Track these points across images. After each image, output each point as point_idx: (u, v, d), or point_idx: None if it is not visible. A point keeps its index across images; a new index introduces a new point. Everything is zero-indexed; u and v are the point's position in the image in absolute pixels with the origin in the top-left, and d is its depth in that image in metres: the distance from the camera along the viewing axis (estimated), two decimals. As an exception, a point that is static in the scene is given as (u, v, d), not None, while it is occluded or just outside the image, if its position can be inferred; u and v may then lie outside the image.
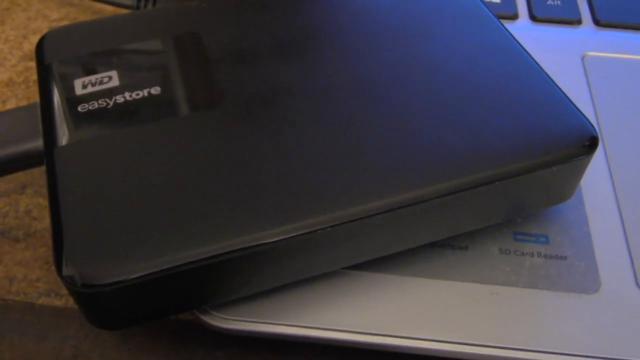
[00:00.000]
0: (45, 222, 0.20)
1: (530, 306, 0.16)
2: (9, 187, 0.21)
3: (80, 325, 0.18)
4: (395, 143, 0.16)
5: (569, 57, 0.23)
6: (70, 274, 0.13)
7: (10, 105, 0.23)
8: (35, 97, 0.23)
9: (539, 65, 0.18)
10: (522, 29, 0.25)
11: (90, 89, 0.17)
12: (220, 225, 0.14)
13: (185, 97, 0.17)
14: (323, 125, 0.16)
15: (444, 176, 0.15)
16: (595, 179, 0.19)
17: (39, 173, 0.21)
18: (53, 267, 0.19)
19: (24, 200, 0.20)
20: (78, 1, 0.28)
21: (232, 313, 0.16)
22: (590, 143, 0.16)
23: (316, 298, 0.16)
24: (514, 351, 0.16)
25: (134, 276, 0.13)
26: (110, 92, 0.17)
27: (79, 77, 0.18)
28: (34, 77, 0.24)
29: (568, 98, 0.17)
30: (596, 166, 0.19)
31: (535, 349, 0.16)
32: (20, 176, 0.21)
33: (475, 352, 0.16)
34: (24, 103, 0.23)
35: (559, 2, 0.26)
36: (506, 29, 0.19)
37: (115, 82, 0.17)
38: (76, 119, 0.16)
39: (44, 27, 0.26)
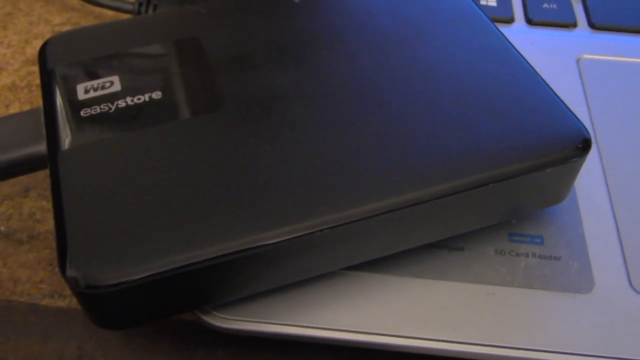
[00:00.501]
0: (49, 224, 0.20)
1: (525, 306, 0.17)
2: (12, 190, 0.21)
3: (83, 325, 0.18)
4: (392, 146, 0.16)
5: (565, 60, 0.23)
6: (74, 275, 0.14)
7: (14, 109, 0.23)
8: (38, 101, 0.24)
9: (533, 68, 0.18)
10: (518, 33, 0.25)
11: (92, 94, 0.18)
12: (221, 227, 0.14)
13: (186, 101, 0.17)
14: (321, 128, 0.16)
15: (440, 178, 0.15)
16: (589, 180, 0.19)
17: (42, 176, 0.21)
18: (56, 269, 0.19)
19: (28, 203, 0.21)
20: (80, 6, 0.28)
21: (232, 313, 0.16)
22: (583, 145, 0.16)
23: (316, 298, 0.17)
24: (509, 350, 0.16)
25: (137, 277, 0.14)
26: (112, 97, 0.17)
27: (81, 82, 0.18)
28: (37, 81, 0.24)
29: (562, 101, 0.17)
30: (590, 168, 0.20)
31: (530, 347, 0.16)
32: (24, 179, 0.21)
33: (472, 350, 0.16)
34: (26, 107, 0.24)
35: (554, 6, 0.26)
36: (501, 33, 0.19)
37: (117, 86, 0.18)
38: (79, 124, 0.17)
39: (46, 31, 0.27)
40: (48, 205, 0.20)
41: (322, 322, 0.16)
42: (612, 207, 0.19)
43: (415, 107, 0.17)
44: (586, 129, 0.16)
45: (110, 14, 0.28)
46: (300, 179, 0.15)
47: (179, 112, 0.17)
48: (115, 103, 0.17)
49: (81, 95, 0.18)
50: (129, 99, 0.17)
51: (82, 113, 0.17)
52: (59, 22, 0.27)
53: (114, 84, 0.18)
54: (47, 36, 0.26)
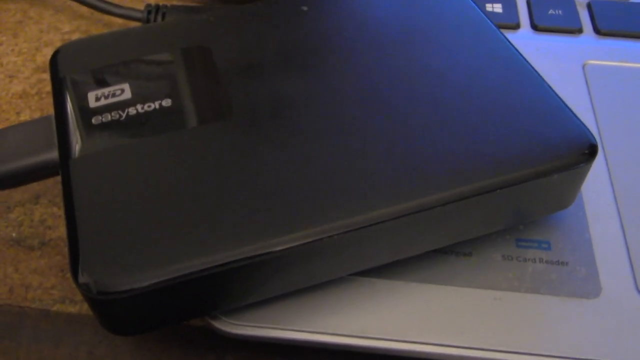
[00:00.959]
0: (60, 231, 0.20)
1: (532, 311, 0.17)
2: (23, 197, 0.21)
3: (94, 331, 0.18)
4: (400, 153, 0.16)
5: (570, 66, 0.24)
6: (86, 281, 0.14)
7: (25, 116, 0.24)
8: (48, 109, 0.24)
9: (539, 74, 0.18)
10: (524, 39, 0.25)
11: (103, 102, 0.18)
12: (231, 234, 0.15)
13: (195, 109, 0.18)
14: (330, 135, 0.17)
15: (447, 185, 0.15)
16: (596, 186, 0.20)
17: (52, 183, 0.21)
18: (67, 275, 0.19)
19: (39, 210, 0.21)
20: (89, 14, 0.28)
21: (241, 319, 0.16)
22: (589, 151, 0.16)
23: (324, 304, 0.17)
24: (516, 355, 0.16)
25: (148, 283, 0.14)
26: (123, 105, 0.18)
27: (92, 90, 0.18)
28: (47, 88, 0.25)
29: (567, 107, 0.17)
30: (597, 173, 0.20)
31: (537, 352, 0.16)
32: (34, 186, 0.21)
33: (479, 356, 0.16)
34: (37, 114, 0.24)
35: (560, 12, 0.26)
36: (506, 39, 0.19)
37: (127, 94, 0.18)
38: (90, 131, 0.17)
39: (56, 39, 0.27)
40: (59, 211, 0.21)
41: (330, 328, 0.16)
42: (618, 212, 0.19)
43: (422, 114, 0.17)
44: (592, 135, 0.17)
45: (119, 22, 0.28)
46: (309, 186, 0.15)
47: (188, 120, 0.17)
48: (126, 111, 0.18)
49: (92, 103, 0.18)
50: (139, 107, 0.18)
51: (93, 121, 0.17)
52: (68, 29, 0.28)
53: (125, 91, 0.18)
54: (57, 44, 0.27)
